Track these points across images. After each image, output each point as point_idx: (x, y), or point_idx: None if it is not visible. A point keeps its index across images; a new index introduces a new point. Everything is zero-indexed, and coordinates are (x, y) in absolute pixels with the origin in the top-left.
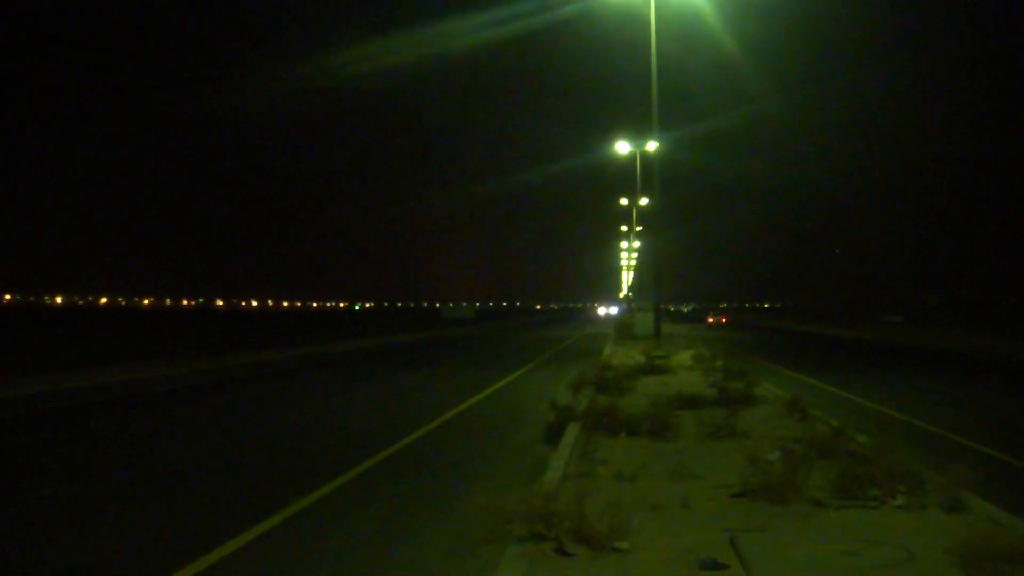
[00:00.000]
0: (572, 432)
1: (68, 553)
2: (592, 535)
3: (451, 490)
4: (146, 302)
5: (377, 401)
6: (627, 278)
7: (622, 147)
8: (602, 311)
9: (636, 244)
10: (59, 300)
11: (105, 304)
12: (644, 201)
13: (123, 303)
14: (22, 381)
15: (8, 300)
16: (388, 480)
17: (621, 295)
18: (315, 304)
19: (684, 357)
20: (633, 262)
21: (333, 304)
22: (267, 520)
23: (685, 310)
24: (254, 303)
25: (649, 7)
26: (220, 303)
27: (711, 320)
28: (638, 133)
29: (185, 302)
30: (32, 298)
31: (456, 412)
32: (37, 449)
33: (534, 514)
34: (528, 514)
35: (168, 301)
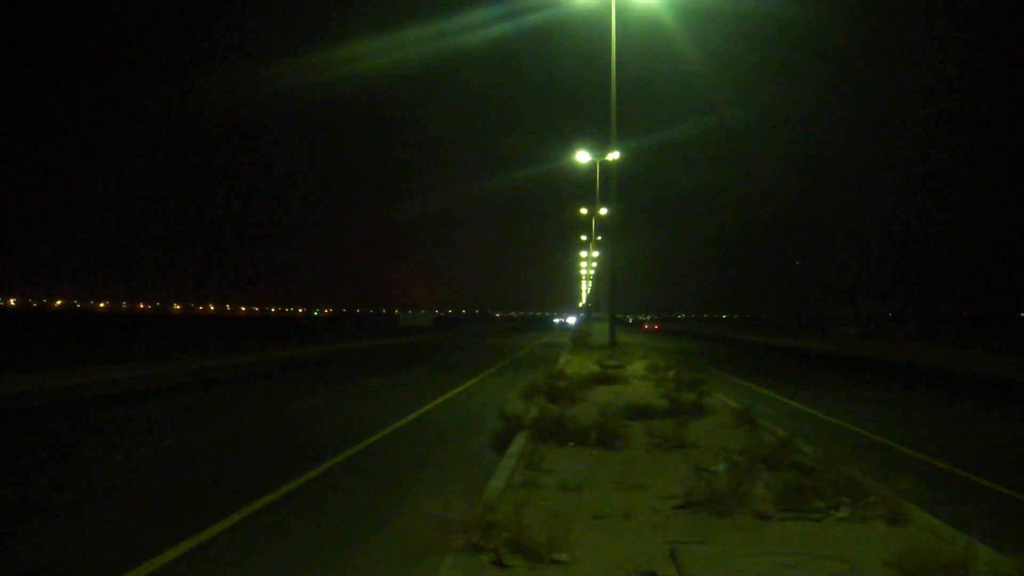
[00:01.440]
0: (520, 441)
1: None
2: (531, 546)
3: (398, 499)
4: (102, 305)
5: (328, 408)
6: (586, 287)
7: (582, 156)
8: (557, 320)
9: (595, 254)
10: (12, 302)
11: (59, 307)
12: (604, 211)
13: (78, 305)
14: None
15: None
16: (334, 488)
17: (580, 304)
18: (273, 309)
19: (638, 367)
20: (592, 272)
21: (292, 309)
22: (207, 530)
23: (644, 321)
24: (211, 307)
25: (610, 16)
26: (177, 307)
27: (646, 327)
28: (600, 142)
29: (142, 306)
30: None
31: (408, 419)
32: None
33: (473, 525)
34: (468, 524)
35: (124, 304)
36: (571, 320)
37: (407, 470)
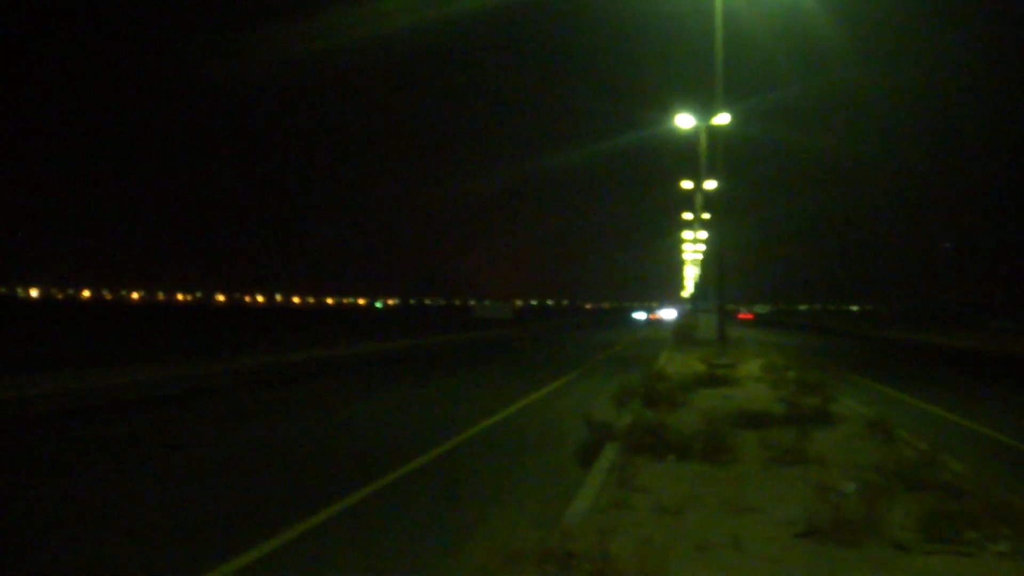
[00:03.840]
0: (609, 454)
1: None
2: None
3: (465, 521)
4: (135, 296)
5: (396, 412)
6: (691, 274)
7: (683, 121)
8: (640, 315)
9: (702, 235)
10: (34, 293)
11: (88, 298)
12: (710, 184)
13: (109, 296)
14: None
15: None
16: (398, 505)
17: (684, 293)
18: (331, 300)
19: (752, 366)
20: (698, 256)
21: (351, 300)
22: (253, 549)
23: (761, 312)
24: (260, 298)
25: None
26: (221, 298)
27: (740, 316)
28: (702, 106)
29: (180, 296)
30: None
31: (482, 427)
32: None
33: (549, 554)
34: (542, 554)
35: (160, 295)
36: (666, 314)
37: (477, 487)
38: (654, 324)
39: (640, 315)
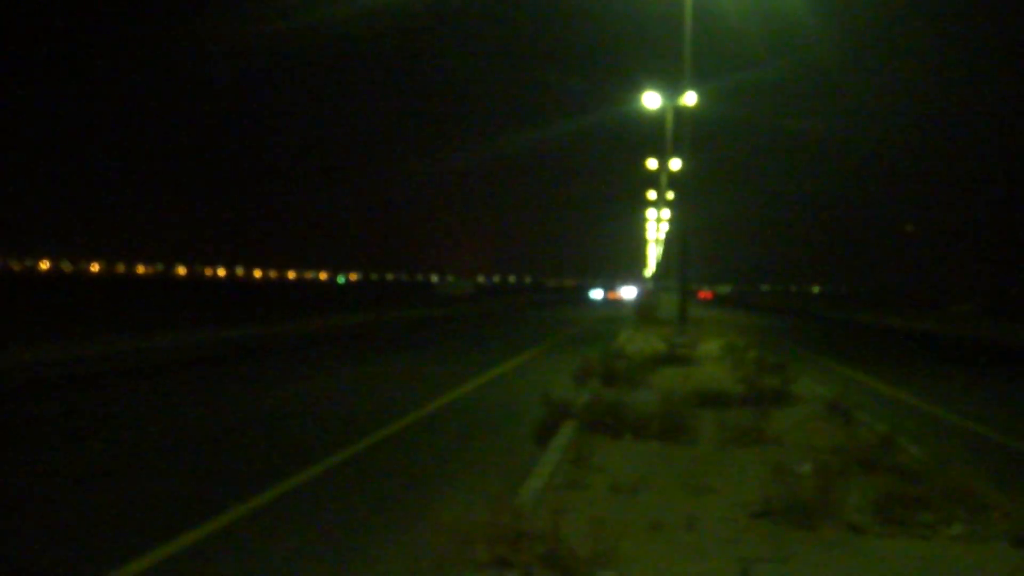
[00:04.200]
0: (566, 433)
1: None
2: (570, 562)
3: (420, 499)
4: (94, 268)
5: (343, 390)
6: (654, 253)
7: (650, 100)
8: (597, 293)
9: (665, 214)
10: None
11: (47, 270)
12: (676, 164)
13: (68, 269)
14: None
15: None
16: (350, 484)
17: (647, 272)
18: (292, 274)
19: (712, 346)
20: (662, 235)
21: (312, 275)
22: (194, 529)
23: (723, 292)
24: (220, 271)
25: None
26: (181, 271)
27: (700, 295)
28: (670, 84)
29: (141, 269)
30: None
31: (438, 405)
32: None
33: (500, 534)
34: (494, 534)
35: (121, 267)
36: (626, 292)
37: (431, 466)
38: (613, 303)
39: (597, 293)
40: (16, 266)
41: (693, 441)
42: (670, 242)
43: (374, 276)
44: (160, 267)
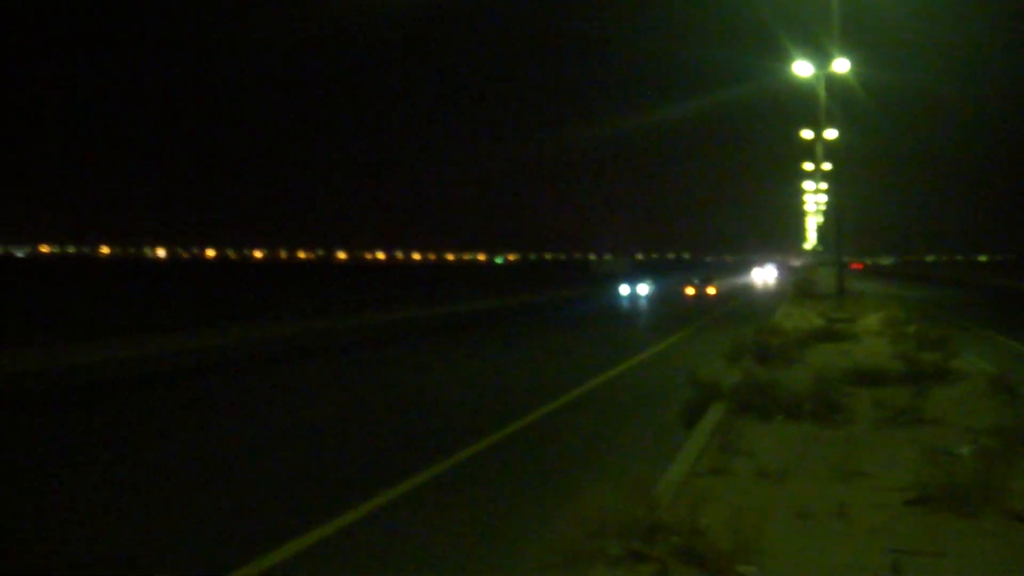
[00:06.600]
0: (715, 415)
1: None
2: (708, 555)
3: (567, 483)
4: (258, 255)
5: (497, 372)
6: (813, 226)
7: (801, 68)
8: (758, 273)
9: (822, 185)
10: (161, 253)
11: (214, 257)
12: (831, 133)
13: (233, 256)
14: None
15: (107, 253)
16: (498, 466)
17: (806, 245)
18: (451, 256)
19: (872, 320)
20: (819, 207)
21: (471, 256)
22: (338, 517)
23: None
24: (380, 255)
25: None
26: (342, 255)
27: (852, 266)
28: (822, 51)
29: (302, 254)
30: (131, 250)
31: (590, 385)
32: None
33: (634, 527)
34: (627, 527)
35: (283, 253)
36: (761, 274)
37: (579, 449)
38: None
39: (758, 273)
40: (185, 254)
41: (847, 422)
42: (828, 214)
43: (532, 256)
44: (321, 252)
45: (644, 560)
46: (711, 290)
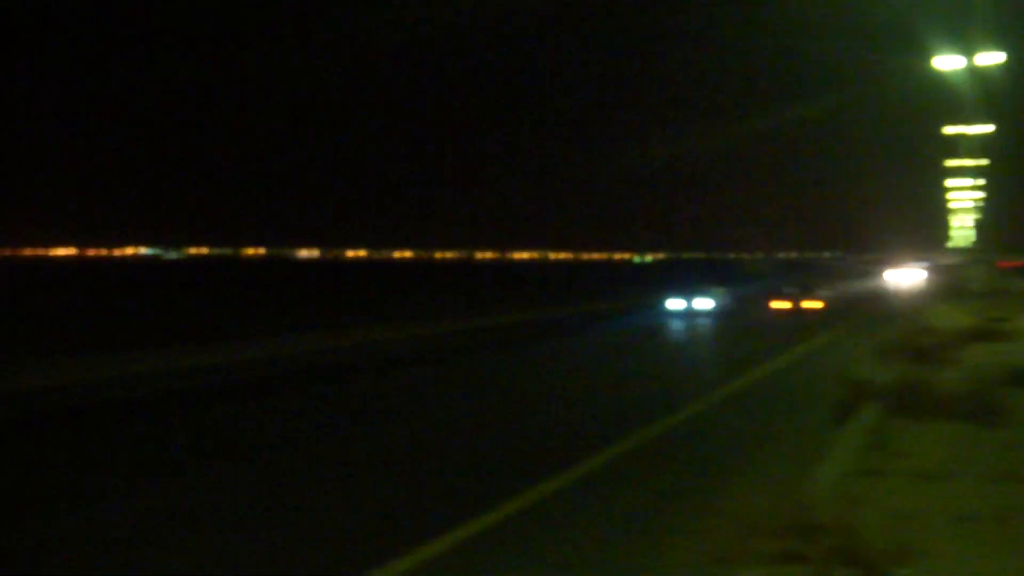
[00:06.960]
0: (867, 414)
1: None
2: (864, 558)
3: (715, 484)
4: (407, 255)
5: (652, 366)
6: (959, 224)
7: (943, 62)
8: (889, 275)
9: (971, 183)
10: (306, 253)
11: (353, 257)
12: (977, 130)
13: (372, 257)
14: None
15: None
16: (647, 466)
17: (951, 244)
18: (589, 256)
19: None
20: (966, 205)
21: (609, 255)
22: (474, 519)
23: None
24: (524, 255)
25: None
26: (486, 255)
27: (1000, 265)
28: (967, 43)
29: (440, 255)
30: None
31: (746, 381)
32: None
33: (789, 527)
34: (781, 527)
35: (425, 254)
36: (894, 276)
37: (730, 448)
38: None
39: (889, 275)
40: (327, 254)
41: (1006, 424)
42: (979, 212)
43: (682, 255)
44: (465, 253)
45: (800, 561)
46: (814, 304)
